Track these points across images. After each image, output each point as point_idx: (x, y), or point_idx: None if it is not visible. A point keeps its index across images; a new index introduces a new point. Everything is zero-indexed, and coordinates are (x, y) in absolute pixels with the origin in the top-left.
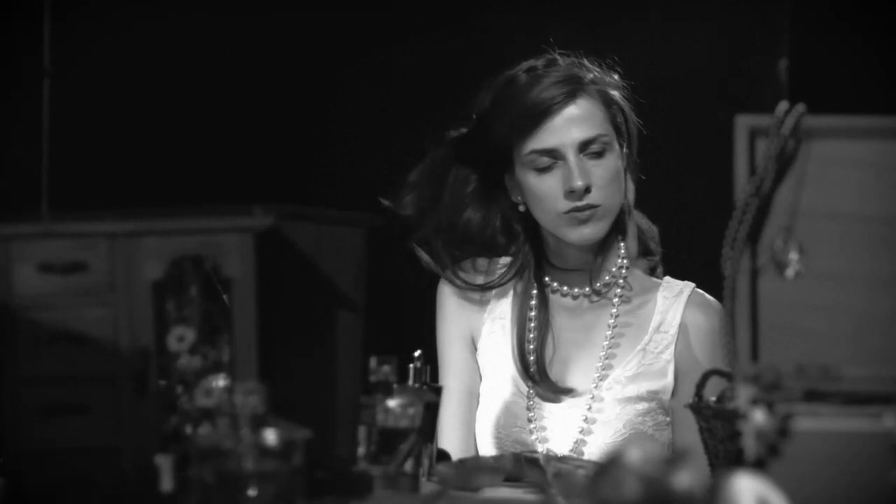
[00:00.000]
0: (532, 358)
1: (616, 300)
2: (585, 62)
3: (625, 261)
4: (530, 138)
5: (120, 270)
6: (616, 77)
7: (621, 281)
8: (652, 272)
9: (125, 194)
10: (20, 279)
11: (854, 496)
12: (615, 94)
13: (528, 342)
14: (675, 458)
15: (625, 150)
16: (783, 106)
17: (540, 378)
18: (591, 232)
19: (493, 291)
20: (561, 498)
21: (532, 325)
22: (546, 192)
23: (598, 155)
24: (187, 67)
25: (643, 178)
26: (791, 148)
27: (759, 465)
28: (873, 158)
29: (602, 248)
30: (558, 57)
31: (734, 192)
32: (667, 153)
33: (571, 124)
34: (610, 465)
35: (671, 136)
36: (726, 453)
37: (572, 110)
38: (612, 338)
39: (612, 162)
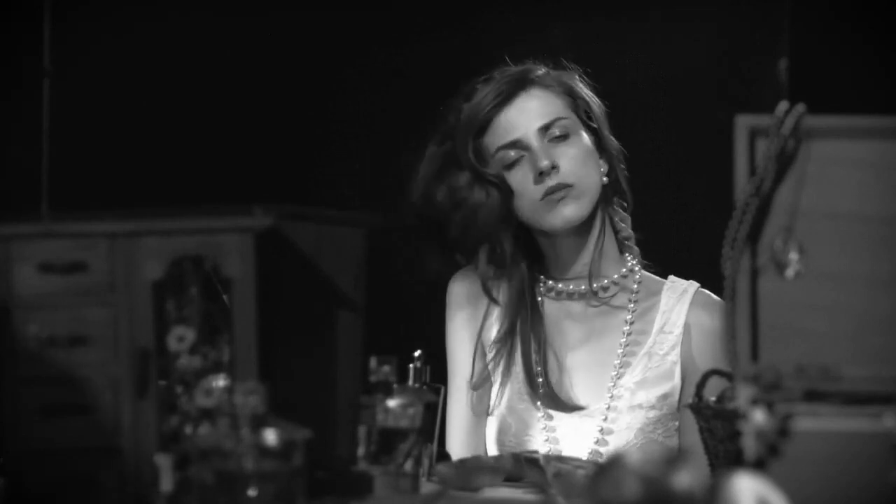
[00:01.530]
0: (540, 380)
1: (631, 305)
2: (539, 65)
3: (637, 266)
4: (493, 137)
5: (120, 270)
6: (576, 76)
7: (635, 286)
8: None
9: (125, 194)
10: (20, 279)
11: (854, 496)
12: (572, 82)
13: (536, 367)
14: (675, 458)
15: (588, 134)
16: (783, 106)
17: (550, 399)
18: (570, 212)
19: (502, 296)
20: (561, 498)
21: (535, 341)
22: (519, 184)
23: (563, 138)
24: (187, 67)
25: (628, 175)
26: (791, 148)
27: (759, 465)
28: (873, 158)
29: (598, 247)
30: (512, 67)
31: (734, 192)
32: (667, 153)
33: (528, 113)
34: (610, 465)
35: (671, 136)
36: (726, 453)
37: (525, 100)
38: (627, 346)
39: (580, 144)
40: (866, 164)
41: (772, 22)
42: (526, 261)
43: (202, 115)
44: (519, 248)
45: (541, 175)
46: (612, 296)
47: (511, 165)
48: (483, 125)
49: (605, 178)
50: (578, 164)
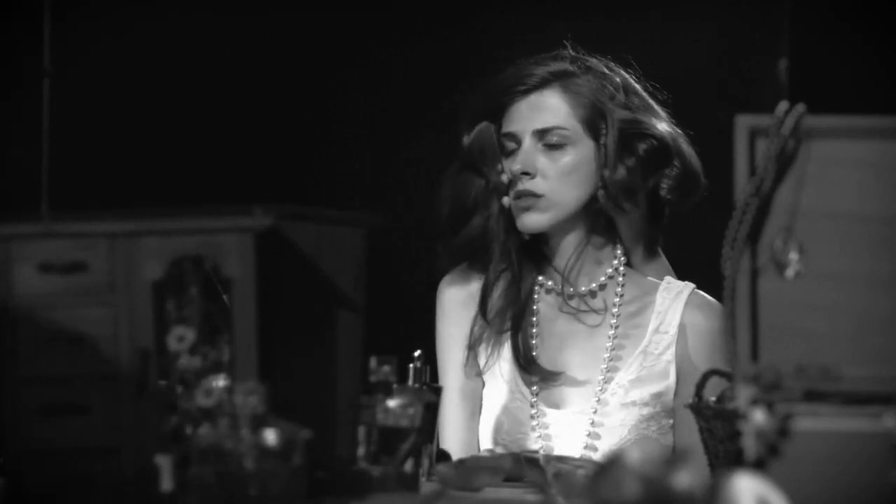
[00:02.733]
0: (521, 347)
1: (617, 300)
2: (590, 59)
3: (622, 266)
4: (505, 121)
5: (120, 270)
6: (618, 80)
7: (619, 289)
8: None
9: (125, 194)
10: (20, 279)
11: (854, 496)
12: (601, 93)
13: (522, 338)
14: (674, 458)
15: (596, 147)
16: (783, 106)
17: (528, 364)
18: (530, 221)
19: (495, 295)
20: (561, 498)
21: (524, 332)
22: (508, 175)
23: (556, 147)
24: (187, 67)
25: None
26: (791, 148)
27: (759, 465)
28: (873, 158)
29: (577, 253)
30: (565, 52)
31: (734, 192)
32: None
33: (532, 112)
34: (610, 466)
35: None
36: (726, 453)
37: (539, 98)
38: (615, 338)
39: (571, 157)
40: (866, 164)
41: (772, 22)
42: (523, 253)
43: (202, 115)
44: (512, 240)
45: (514, 178)
46: (595, 298)
47: (508, 155)
48: (500, 108)
49: (601, 193)
50: (559, 176)
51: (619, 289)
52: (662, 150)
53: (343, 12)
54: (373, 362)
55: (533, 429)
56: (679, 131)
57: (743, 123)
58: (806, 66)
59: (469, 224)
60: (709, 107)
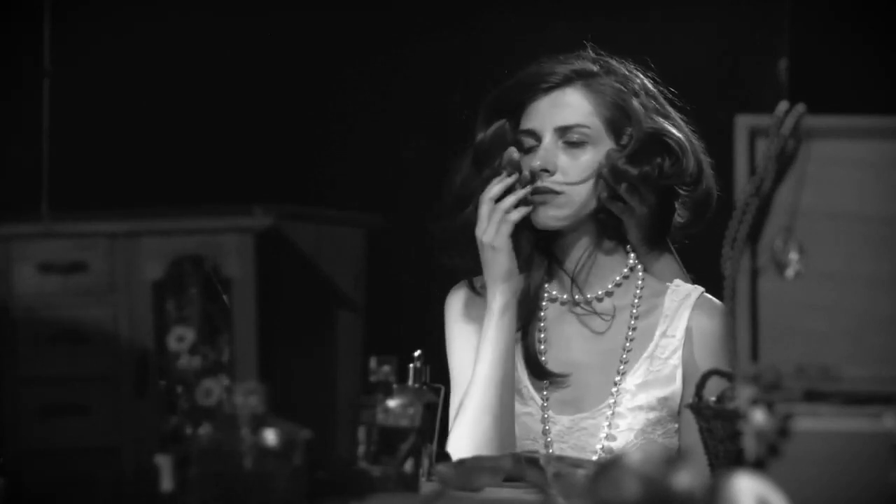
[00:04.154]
0: (529, 350)
1: (635, 311)
2: (612, 60)
3: (632, 271)
4: (524, 118)
5: (120, 270)
6: (639, 82)
7: (638, 291)
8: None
9: (125, 194)
10: (20, 279)
11: (854, 496)
12: (621, 93)
13: (530, 340)
14: (674, 458)
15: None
16: (783, 106)
17: (534, 368)
18: (545, 217)
19: None
20: (561, 498)
21: (534, 325)
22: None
23: (576, 145)
24: (187, 67)
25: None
26: (791, 148)
27: (759, 465)
28: (873, 158)
29: (587, 250)
30: (586, 53)
31: (734, 192)
32: None
33: (553, 109)
34: (610, 466)
35: None
36: (726, 453)
37: (558, 96)
38: (630, 350)
39: (592, 156)
40: (866, 164)
41: (772, 22)
42: (534, 260)
43: (202, 114)
44: (523, 245)
45: (533, 174)
46: (604, 302)
47: (527, 152)
48: (520, 105)
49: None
50: (577, 174)
51: (629, 293)
52: (679, 162)
53: (343, 12)
54: (373, 362)
55: (544, 433)
56: (697, 143)
57: (743, 123)
58: (806, 66)
59: (462, 212)
60: (709, 107)
